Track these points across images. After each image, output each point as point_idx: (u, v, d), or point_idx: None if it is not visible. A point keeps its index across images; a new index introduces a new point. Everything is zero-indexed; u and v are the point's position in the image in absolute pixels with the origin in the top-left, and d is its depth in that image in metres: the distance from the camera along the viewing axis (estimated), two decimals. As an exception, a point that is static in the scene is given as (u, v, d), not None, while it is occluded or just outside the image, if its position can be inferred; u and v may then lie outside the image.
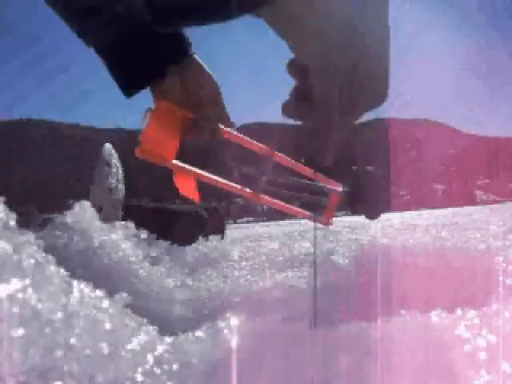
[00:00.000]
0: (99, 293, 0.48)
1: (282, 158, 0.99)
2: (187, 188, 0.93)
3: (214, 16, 0.60)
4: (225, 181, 0.93)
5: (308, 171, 0.99)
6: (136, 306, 0.57)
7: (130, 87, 0.88)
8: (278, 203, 0.97)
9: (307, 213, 1.00)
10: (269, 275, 1.15)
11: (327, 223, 1.01)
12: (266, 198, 0.95)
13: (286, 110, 0.62)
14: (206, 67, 0.91)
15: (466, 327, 0.45)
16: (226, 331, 0.44)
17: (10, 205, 0.56)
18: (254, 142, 0.97)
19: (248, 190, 0.94)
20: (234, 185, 0.94)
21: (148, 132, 0.86)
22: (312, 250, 1.30)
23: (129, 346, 0.43)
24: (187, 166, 0.91)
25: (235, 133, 0.93)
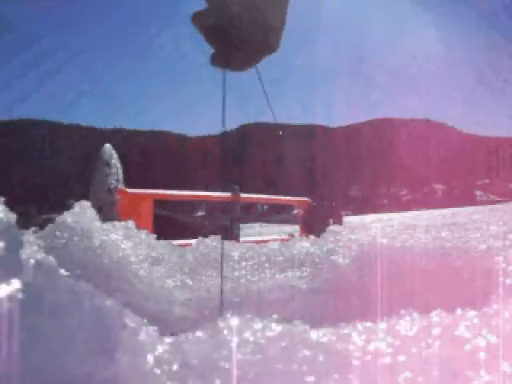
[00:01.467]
0: (99, 293, 0.48)
1: (248, 197, 1.05)
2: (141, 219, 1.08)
3: None
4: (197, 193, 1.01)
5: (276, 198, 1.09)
6: (136, 306, 0.57)
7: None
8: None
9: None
10: (269, 275, 1.15)
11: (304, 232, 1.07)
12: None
13: (197, 21, 0.79)
14: None
15: (465, 327, 0.45)
16: (225, 331, 0.44)
17: (10, 205, 0.56)
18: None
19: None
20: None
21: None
22: (312, 250, 1.30)
23: (129, 346, 0.43)
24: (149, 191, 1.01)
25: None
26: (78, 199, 1.30)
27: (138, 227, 1.36)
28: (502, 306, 0.50)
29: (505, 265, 0.82)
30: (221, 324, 0.45)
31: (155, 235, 1.44)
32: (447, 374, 0.41)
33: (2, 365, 0.38)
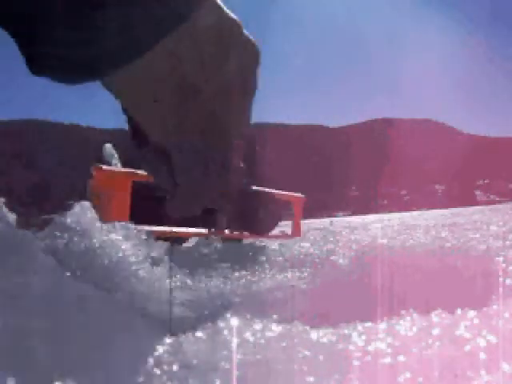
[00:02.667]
0: (99, 293, 0.48)
1: None
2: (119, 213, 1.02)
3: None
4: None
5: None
6: (136, 307, 0.57)
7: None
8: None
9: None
10: (269, 275, 1.15)
11: (297, 234, 1.07)
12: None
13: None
14: None
15: (465, 327, 0.45)
16: (225, 331, 0.44)
17: (10, 205, 0.56)
18: None
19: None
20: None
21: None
22: (312, 250, 1.30)
23: (129, 347, 0.43)
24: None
25: None
26: (78, 199, 1.30)
27: (112, 212, 1.25)
28: (501, 306, 0.50)
29: (505, 265, 0.82)
30: (221, 324, 0.45)
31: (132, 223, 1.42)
32: (447, 374, 0.41)
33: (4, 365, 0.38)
